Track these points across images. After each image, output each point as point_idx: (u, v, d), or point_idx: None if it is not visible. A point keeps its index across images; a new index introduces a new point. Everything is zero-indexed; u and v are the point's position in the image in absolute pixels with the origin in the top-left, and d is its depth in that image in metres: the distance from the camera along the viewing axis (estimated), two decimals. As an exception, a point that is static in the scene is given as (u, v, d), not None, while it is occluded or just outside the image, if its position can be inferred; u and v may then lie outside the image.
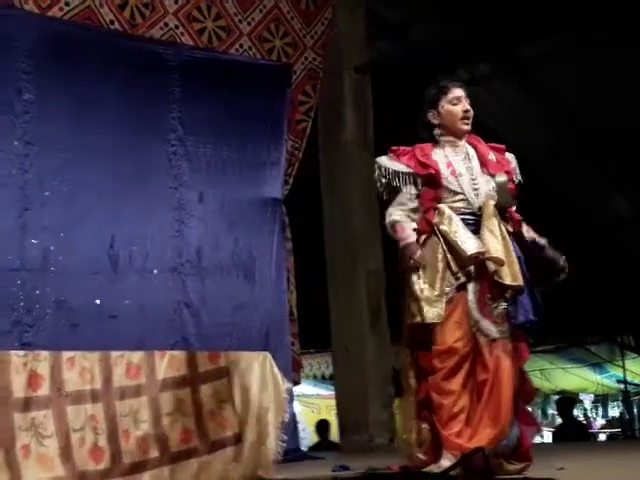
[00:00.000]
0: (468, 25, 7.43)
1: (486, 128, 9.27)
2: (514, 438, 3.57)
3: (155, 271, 4.42)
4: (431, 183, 3.82)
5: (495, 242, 3.65)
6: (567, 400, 11.83)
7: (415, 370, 3.78)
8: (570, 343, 13.16)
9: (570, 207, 10.10)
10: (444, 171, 3.83)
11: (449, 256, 3.70)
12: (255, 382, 4.48)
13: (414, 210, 3.85)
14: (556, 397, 14.66)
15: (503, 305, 3.68)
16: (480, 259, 3.66)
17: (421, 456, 3.68)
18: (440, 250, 3.72)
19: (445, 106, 3.92)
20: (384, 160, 3.95)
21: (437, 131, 3.95)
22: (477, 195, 3.80)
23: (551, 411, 16.21)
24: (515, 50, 7.82)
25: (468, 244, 3.65)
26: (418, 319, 3.65)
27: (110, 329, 4.11)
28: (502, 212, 3.82)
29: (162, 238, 4.54)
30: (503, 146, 4.08)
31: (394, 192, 3.90)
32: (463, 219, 3.75)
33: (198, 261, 4.64)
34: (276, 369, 4.53)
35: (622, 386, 14.69)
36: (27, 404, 3.58)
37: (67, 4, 4.79)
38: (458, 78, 8.51)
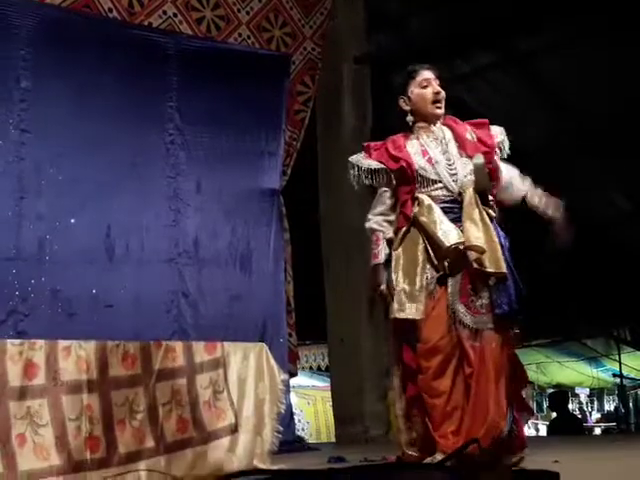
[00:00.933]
0: (467, 17, 7.40)
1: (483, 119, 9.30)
2: (508, 424, 3.50)
3: (152, 261, 4.41)
4: (404, 176, 3.73)
5: (475, 230, 3.55)
6: (560, 394, 11.86)
7: (400, 367, 3.72)
8: (566, 337, 13.17)
9: (567, 200, 10.09)
10: (419, 161, 3.72)
11: (429, 248, 3.62)
12: (251, 373, 4.48)
13: (394, 207, 3.80)
14: (551, 391, 14.69)
15: (486, 295, 3.57)
16: (460, 249, 3.56)
17: (414, 454, 3.61)
18: (420, 242, 3.64)
19: (415, 90, 3.82)
20: (357, 158, 3.89)
21: (410, 117, 3.83)
22: (455, 181, 3.69)
23: (547, 405, 16.25)
24: (514, 42, 7.81)
25: (448, 235, 3.57)
26: (399, 314, 3.58)
27: (106, 319, 4.10)
28: (484, 195, 3.71)
29: (159, 228, 4.52)
30: (486, 120, 3.96)
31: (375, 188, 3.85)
32: (444, 207, 3.65)
33: (195, 251, 4.63)
34: (272, 360, 4.53)
35: (618, 380, 14.72)
36: (23, 393, 3.57)
37: (65, -8, 4.78)
38: (457, 69, 8.53)
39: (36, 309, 3.89)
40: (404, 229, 3.71)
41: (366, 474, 2.78)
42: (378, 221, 3.82)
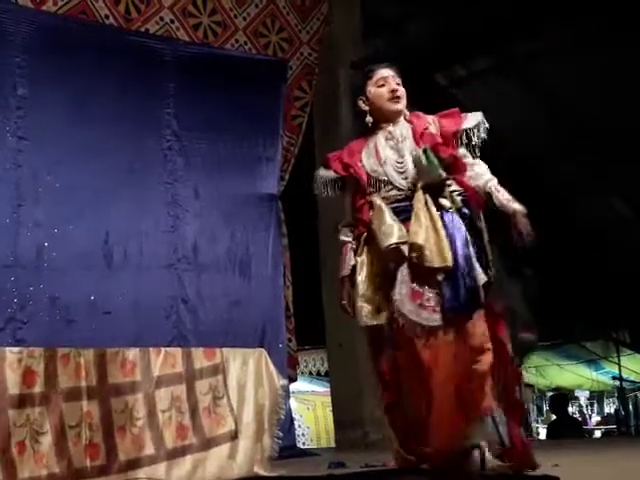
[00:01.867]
0: (465, 21, 7.41)
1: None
2: (491, 431, 3.30)
3: (151, 267, 4.40)
4: (356, 182, 3.69)
5: (416, 226, 3.41)
6: (561, 397, 11.85)
7: (376, 375, 3.66)
8: (565, 340, 13.16)
9: (567, 203, 10.10)
10: (371, 164, 3.65)
11: (374, 255, 3.59)
12: (251, 379, 4.48)
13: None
14: (551, 394, 14.68)
15: (435, 291, 3.38)
16: (400, 249, 3.43)
17: (411, 458, 3.49)
18: (367, 251, 3.63)
19: (372, 90, 3.73)
20: (317, 172, 3.88)
21: (369, 118, 3.74)
22: (406, 178, 3.57)
23: (546, 408, 16.24)
24: (512, 46, 7.81)
25: (388, 235, 3.48)
26: (365, 322, 3.53)
27: (105, 325, 4.09)
28: (439, 186, 3.53)
29: (157, 234, 4.51)
30: (456, 109, 3.78)
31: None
32: (396, 207, 3.54)
33: (194, 257, 4.62)
34: (272, 366, 4.52)
35: (617, 383, 14.71)
36: (22, 401, 3.56)
37: (61, -2, 4.78)
38: (455, 74, 8.54)
39: (34, 316, 3.88)
40: (364, 235, 3.65)
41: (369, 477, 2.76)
42: (345, 232, 3.81)
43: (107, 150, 4.43)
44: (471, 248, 3.44)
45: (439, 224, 3.42)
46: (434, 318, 3.32)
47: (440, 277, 3.36)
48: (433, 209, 3.45)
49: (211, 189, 4.85)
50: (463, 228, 3.47)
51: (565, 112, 8.60)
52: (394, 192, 3.58)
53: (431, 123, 3.69)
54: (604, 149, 8.48)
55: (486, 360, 3.31)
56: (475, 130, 3.67)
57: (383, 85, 3.71)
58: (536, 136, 8.83)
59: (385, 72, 3.74)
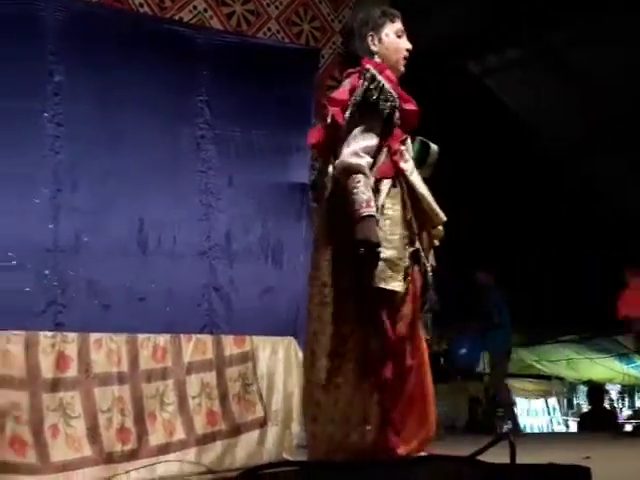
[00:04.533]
0: (498, 9, 7.35)
1: (515, 115, 9.22)
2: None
3: (183, 254, 4.42)
4: (407, 122, 3.14)
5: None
6: (597, 389, 11.74)
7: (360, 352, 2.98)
8: (596, 333, 13.04)
9: (601, 195, 10.00)
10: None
11: (411, 213, 3.08)
12: (280, 367, 4.51)
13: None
14: (582, 387, 14.60)
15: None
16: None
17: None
18: (403, 205, 3.06)
19: (390, 35, 3.22)
20: (377, 74, 3.05)
21: (377, 59, 3.18)
22: None
23: (577, 401, 16.13)
24: (548, 34, 7.72)
25: (438, 210, 3.13)
26: (385, 284, 2.94)
27: (140, 311, 4.12)
28: None
29: (190, 222, 4.53)
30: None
31: (360, 119, 3.01)
32: None
33: (227, 245, 4.63)
34: (301, 354, 4.54)
35: (648, 377, 14.57)
36: (55, 385, 3.62)
37: (96, -14, 4.81)
38: (487, 63, 8.46)
39: (73, 300, 3.92)
40: (389, 182, 3.07)
41: (400, 466, 2.72)
42: (368, 162, 2.99)
43: (141, 137, 4.44)
44: None
45: None
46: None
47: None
48: None
49: (243, 177, 4.85)
50: None
51: (600, 102, 8.49)
52: None
53: None
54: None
55: None
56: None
57: (402, 37, 3.26)
58: (571, 127, 8.73)
59: (402, 25, 3.29)
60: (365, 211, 2.90)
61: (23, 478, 3.37)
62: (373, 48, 3.20)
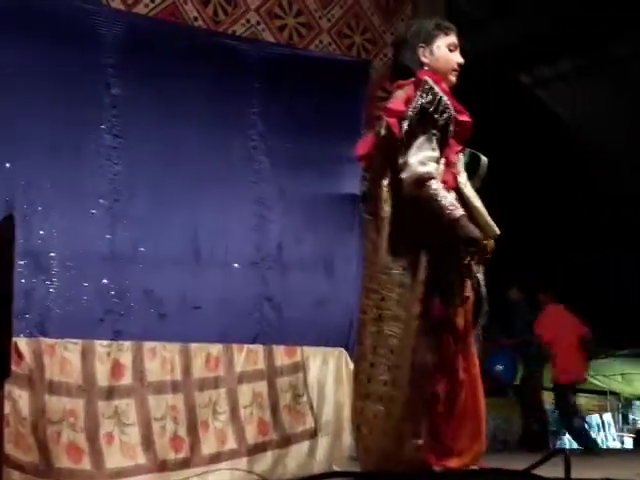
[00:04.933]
0: (551, 21, 7.28)
1: (570, 129, 9.11)
2: None
3: (236, 264, 4.45)
4: (461, 133, 3.13)
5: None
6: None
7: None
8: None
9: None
10: None
11: None
12: (330, 377, 4.51)
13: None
14: (638, 402, 14.30)
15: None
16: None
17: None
18: None
19: (442, 47, 3.18)
20: (435, 85, 3.02)
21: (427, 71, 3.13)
22: None
23: (632, 416, 15.81)
24: (602, 47, 7.63)
25: (492, 223, 3.13)
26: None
27: (194, 320, 4.16)
28: None
29: (243, 232, 4.57)
30: None
31: (418, 130, 2.98)
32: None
33: (279, 255, 4.65)
34: (352, 365, 4.53)
35: None
36: (110, 392, 3.67)
37: (152, 1, 4.88)
38: (540, 74, 8.40)
39: (131, 309, 3.98)
40: (453, 193, 3.07)
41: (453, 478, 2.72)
42: (436, 168, 2.98)
43: (195, 149, 4.51)
44: None
45: None
46: None
47: None
48: None
49: (295, 188, 4.88)
50: None
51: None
52: None
53: None
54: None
55: None
56: None
57: (454, 51, 3.22)
58: (627, 141, 8.59)
59: (457, 40, 3.26)
60: (457, 212, 2.92)
61: (78, 484, 3.42)
62: (423, 59, 3.18)
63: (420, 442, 2.96)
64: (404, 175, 2.98)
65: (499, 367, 10.69)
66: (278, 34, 5.53)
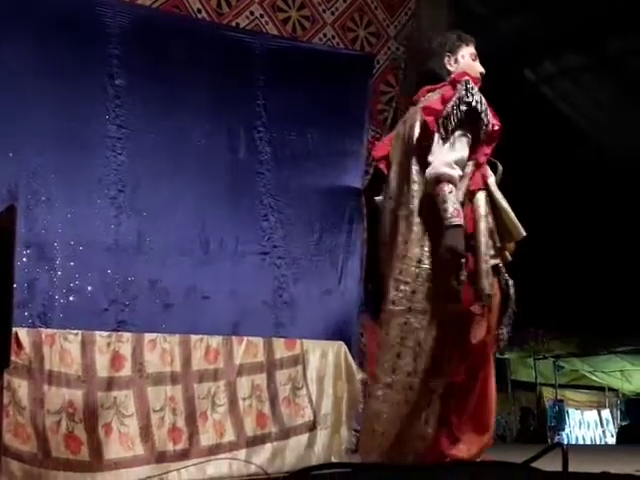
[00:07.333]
0: (555, 17, 7.27)
1: (576, 127, 9.10)
2: None
3: (244, 255, 4.47)
4: (492, 135, 3.23)
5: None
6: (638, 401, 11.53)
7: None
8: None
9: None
10: None
11: (493, 224, 3.18)
12: (330, 371, 4.52)
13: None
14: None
15: None
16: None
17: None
18: (484, 215, 3.15)
19: (466, 57, 3.43)
20: (474, 86, 3.19)
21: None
22: None
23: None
24: (607, 43, 7.61)
25: (519, 225, 3.21)
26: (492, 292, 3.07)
27: (201, 311, 4.18)
28: None
29: (251, 223, 4.58)
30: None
31: (454, 130, 3.13)
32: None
33: (285, 247, 4.67)
34: (351, 359, 4.55)
35: None
36: (110, 384, 3.68)
37: (156, -7, 4.89)
38: (544, 71, 8.37)
39: (135, 299, 3.99)
40: (484, 193, 3.18)
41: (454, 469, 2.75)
42: (460, 175, 3.10)
43: (200, 139, 4.52)
44: None
45: None
46: None
47: None
48: None
49: (300, 180, 4.89)
50: None
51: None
52: None
53: None
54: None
55: None
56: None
57: (476, 61, 3.46)
58: (631, 137, 8.57)
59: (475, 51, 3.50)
60: (456, 220, 3.01)
61: (76, 475, 3.43)
62: (449, 68, 3.41)
63: (430, 431, 3.07)
64: (428, 171, 3.12)
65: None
66: (281, 27, 5.53)
